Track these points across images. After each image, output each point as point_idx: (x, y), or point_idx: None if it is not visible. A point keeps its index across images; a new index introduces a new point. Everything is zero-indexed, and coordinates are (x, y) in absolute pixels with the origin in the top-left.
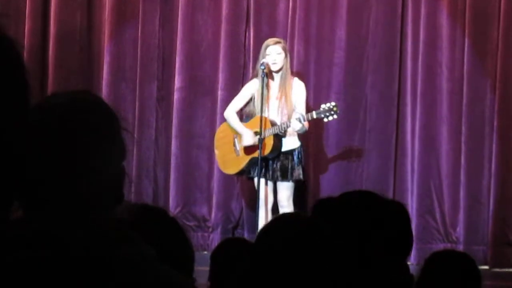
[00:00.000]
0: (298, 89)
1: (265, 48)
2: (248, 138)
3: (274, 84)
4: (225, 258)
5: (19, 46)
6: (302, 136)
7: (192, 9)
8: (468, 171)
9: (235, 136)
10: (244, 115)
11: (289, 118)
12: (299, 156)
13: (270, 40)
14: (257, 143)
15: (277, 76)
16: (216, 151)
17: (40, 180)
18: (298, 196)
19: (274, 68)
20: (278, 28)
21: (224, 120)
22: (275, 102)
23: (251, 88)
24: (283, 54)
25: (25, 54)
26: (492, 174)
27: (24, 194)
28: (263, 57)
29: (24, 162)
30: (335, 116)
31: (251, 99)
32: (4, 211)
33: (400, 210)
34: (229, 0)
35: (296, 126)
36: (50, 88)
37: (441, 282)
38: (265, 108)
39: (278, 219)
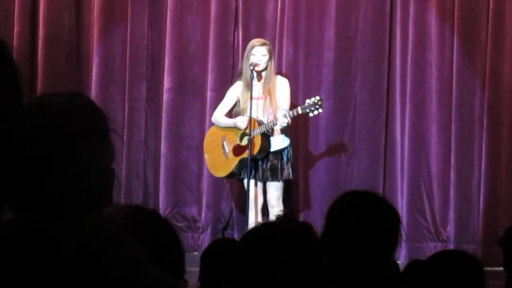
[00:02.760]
0: (282, 87)
1: (251, 49)
2: (243, 120)
3: (258, 85)
4: (215, 258)
5: (10, 48)
6: (291, 135)
7: (181, 10)
8: (458, 170)
9: (223, 138)
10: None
11: (274, 117)
12: (288, 155)
13: (256, 41)
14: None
15: (261, 78)
16: (206, 156)
17: (31, 181)
18: (288, 196)
19: (257, 68)
20: (266, 28)
21: (212, 124)
22: (260, 102)
23: (236, 91)
24: (267, 56)
25: (14, 56)
26: (482, 173)
27: (15, 195)
28: (247, 57)
29: (17, 163)
30: (320, 110)
31: (236, 102)
32: None
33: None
34: (217, 1)
35: (282, 122)
36: (39, 90)
37: (445, 282)
38: (251, 108)
39: (265, 223)
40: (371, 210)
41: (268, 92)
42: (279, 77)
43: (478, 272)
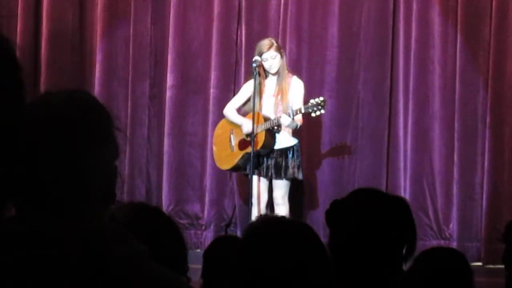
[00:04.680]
0: (296, 88)
1: (260, 55)
2: (248, 125)
3: (271, 81)
4: (218, 256)
5: (13, 44)
6: (295, 133)
7: (184, 7)
8: (461, 168)
9: (231, 131)
10: (242, 113)
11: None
12: (294, 154)
13: (263, 46)
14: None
15: (274, 74)
16: (214, 148)
17: (34, 179)
18: (293, 194)
19: (272, 71)
20: (270, 25)
21: (221, 117)
22: (271, 99)
23: (249, 87)
24: (278, 56)
25: (17, 53)
26: (485, 171)
27: (18, 192)
28: (257, 61)
29: (19, 161)
30: (322, 111)
31: (249, 99)
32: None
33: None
34: None
35: (284, 120)
36: (43, 87)
37: (432, 279)
38: (261, 105)
39: (264, 219)
40: (380, 209)
41: (281, 90)
42: (295, 77)
43: (463, 267)
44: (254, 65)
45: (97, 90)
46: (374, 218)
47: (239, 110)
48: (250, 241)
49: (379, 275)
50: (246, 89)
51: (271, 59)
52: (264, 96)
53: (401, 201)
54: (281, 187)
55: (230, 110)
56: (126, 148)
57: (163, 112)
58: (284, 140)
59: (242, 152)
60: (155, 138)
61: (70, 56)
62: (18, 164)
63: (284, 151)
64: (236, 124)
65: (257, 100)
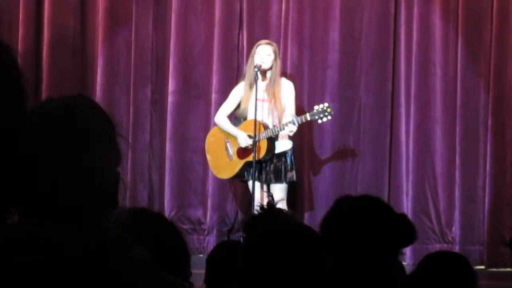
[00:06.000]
0: (287, 89)
1: (256, 47)
2: (244, 139)
3: (263, 86)
4: (220, 261)
5: (14, 51)
6: (295, 137)
7: (185, 12)
8: (463, 171)
9: (226, 140)
10: (233, 119)
11: (279, 120)
12: (292, 157)
13: (262, 41)
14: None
15: (266, 79)
16: (208, 156)
17: (35, 185)
18: (292, 198)
19: (264, 66)
20: (271, 30)
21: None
22: (265, 104)
23: (239, 92)
24: (272, 56)
25: (19, 60)
26: (487, 174)
27: (20, 198)
28: (252, 56)
29: (21, 166)
30: (329, 118)
31: (239, 104)
32: (1, 216)
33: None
34: (222, 2)
35: (291, 129)
36: (44, 92)
37: (436, 283)
38: (255, 110)
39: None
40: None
41: (273, 95)
42: (284, 79)
43: (468, 271)
44: (256, 70)
45: (98, 95)
46: (359, 224)
47: (230, 116)
48: (252, 242)
49: (377, 271)
50: (235, 95)
51: (266, 54)
52: (257, 101)
53: (378, 201)
54: (280, 191)
55: (223, 118)
56: (128, 154)
57: (165, 117)
58: (282, 144)
59: (243, 161)
60: (157, 143)
61: (71, 62)
62: (19, 170)
63: (283, 155)
64: (230, 134)
65: (248, 104)
